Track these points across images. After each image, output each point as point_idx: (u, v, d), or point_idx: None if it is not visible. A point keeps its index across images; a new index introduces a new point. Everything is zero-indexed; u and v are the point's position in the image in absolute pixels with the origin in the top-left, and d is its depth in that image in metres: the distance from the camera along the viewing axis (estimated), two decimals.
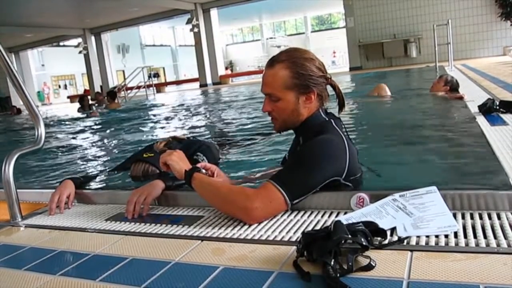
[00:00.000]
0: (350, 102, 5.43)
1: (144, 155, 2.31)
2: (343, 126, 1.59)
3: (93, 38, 21.20)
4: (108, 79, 21.40)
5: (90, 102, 12.37)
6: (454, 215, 1.23)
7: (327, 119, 1.57)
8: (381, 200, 1.31)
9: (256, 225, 1.36)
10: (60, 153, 4.53)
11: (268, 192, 1.34)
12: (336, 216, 1.37)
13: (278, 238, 1.24)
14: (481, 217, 1.21)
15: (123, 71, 25.58)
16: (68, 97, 23.03)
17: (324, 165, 1.40)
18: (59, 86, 28.53)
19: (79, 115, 10.20)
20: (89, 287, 1.06)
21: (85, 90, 24.16)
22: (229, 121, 5.80)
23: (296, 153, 1.52)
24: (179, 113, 8.14)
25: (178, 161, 1.54)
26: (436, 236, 1.11)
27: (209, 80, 18.29)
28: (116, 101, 11.42)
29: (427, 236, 1.12)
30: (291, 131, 1.66)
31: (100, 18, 18.53)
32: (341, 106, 1.66)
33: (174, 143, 2.52)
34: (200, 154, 2.36)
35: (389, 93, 5.62)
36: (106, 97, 12.04)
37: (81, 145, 5.13)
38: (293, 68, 1.49)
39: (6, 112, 16.63)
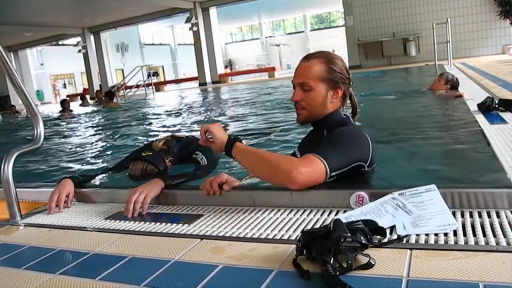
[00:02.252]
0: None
1: (143, 154, 2.30)
2: None
3: (92, 37, 21.17)
4: (107, 78, 21.38)
5: (90, 100, 12.44)
6: (454, 214, 1.23)
7: (345, 116, 1.74)
8: (381, 198, 1.31)
9: (255, 223, 1.36)
10: (59, 152, 4.53)
11: (311, 161, 1.42)
12: (336, 214, 1.37)
13: (278, 237, 1.24)
14: (480, 216, 1.22)
15: (122, 70, 25.54)
16: (67, 96, 23.00)
17: (353, 147, 1.55)
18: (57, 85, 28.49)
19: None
20: (88, 286, 1.06)
21: (84, 89, 24.15)
22: (229, 120, 5.80)
23: (328, 138, 1.60)
24: (178, 112, 8.14)
25: (220, 130, 1.60)
26: (436, 235, 1.12)
27: (208, 79, 18.27)
28: (114, 101, 11.47)
29: (427, 235, 1.12)
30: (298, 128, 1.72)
31: (99, 17, 18.50)
32: (354, 114, 1.81)
33: (173, 141, 2.51)
34: (199, 153, 2.36)
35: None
36: (104, 97, 12.16)
37: (79, 144, 5.13)
38: (327, 64, 1.66)
39: (5, 111, 16.61)
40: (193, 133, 4.44)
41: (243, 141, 1.63)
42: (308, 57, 1.71)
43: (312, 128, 1.83)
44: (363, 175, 1.58)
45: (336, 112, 1.71)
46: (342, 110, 1.75)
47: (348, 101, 1.78)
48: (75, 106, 13.11)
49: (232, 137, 1.57)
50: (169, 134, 2.79)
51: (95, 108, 11.96)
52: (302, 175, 1.38)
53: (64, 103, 11.22)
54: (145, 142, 3.06)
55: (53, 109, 12.45)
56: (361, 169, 1.56)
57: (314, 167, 1.41)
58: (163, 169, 2.28)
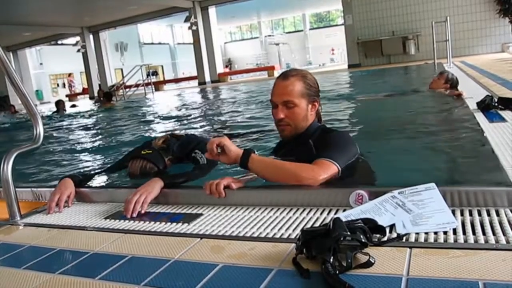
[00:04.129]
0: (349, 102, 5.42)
1: (142, 152, 2.29)
2: None
3: (91, 36, 21.12)
4: (106, 77, 21.35)
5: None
6: (453, 212, 1.23)
7: (319, 124, 1.92)
8: (380, 197, 1.32)
9: (255, 222, 1.37)
10: (58, 152, 4.53)
11: (327, 166, 1.57)
12: (335, 213, 1.37)
13: (277, 236, 1.24)
14: (479, 214, 1.22)
15: (122, 69, 25.51)
16: (67, 95, 22.99)
17: (349, 146, 1.74)
18: (58, 85, 28.45)
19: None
20: (88, 285, 1.06)
21: (83, 89, 24.13)
22: (228, 119, 5.80)
23: (325, 143, 1.74)
24: (177, 111, 8.13)
25: (232, 144, 1.66)
26: (435, 233, 1.12)
27: (207, 78, 18.25)
28: (112, 101, 11.52)
29: (426, 233, 1.12)
30: None
31: (98, 17, 18.46)
32: (320, 121, 1.97)
33: (172, 140, 2.50)
34: (198, 152, 2.35)
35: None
36: (102, 98, 12.21)
37: (78, 144, 5.13)
38: (304, 80, 1.82)
39: (5, 111, 16.59)
40: (192, 132, 4.44)
41: (256, 152, 1.67)
42: (285, 76, 1.83)
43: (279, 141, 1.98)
44: (363, 167, 1.78)
45: (313, 123, 1.88)
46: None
47: None
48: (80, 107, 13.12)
49: (247, 150, 1.65)
50: (169, 132, 2.78)
51: (94, 108, 11.97)
52: (323, 179, 1.53)
53: (59, 104, 11.27)
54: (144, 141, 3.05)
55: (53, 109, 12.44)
56: (359, 160, 1.77)
57: (331, 171, 1.56)
58: (162, 167, 2.27)
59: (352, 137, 1.83)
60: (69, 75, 26.41)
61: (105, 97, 11.96)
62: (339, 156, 1.63)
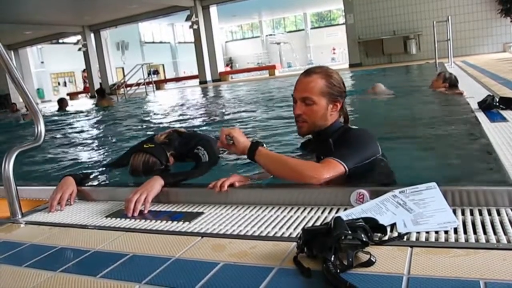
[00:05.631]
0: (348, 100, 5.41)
1: (145, 146, 2.28)
2: None
3: (92, 35, 21.13)
4: (107, 76, 21.36)
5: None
6: (454, 211, 1.23)
7: (342, 124, 1.86)
8: (381, 196, 1.32)
9: (256, 221, 1.37)
10: (59, 150, 4.53)
11: (333, 165, 1.55)
12: (336, 212, 1.37)
13: (278, 234, 1.24)
14: (480, 213, 1.22)
15: (123, 68, 25.51)
16: (68, 94, 23.00)
17: (366, 146, 1.69)
18: (59, 84, 28.47)
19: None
20: (89, 284, 1.06)
21: (84, 88, 24.13)
22: (229, 118, 5.79)
23: (341, 142, 1.71)
24: (178, 110, 8.14)
25: (241, 135, 1.68)
26: (436, 232, 1.12)
27: (208, 77, 18.24)
28: (111, 99, 11.49)
29: (427, 232, 1.12)
30: None
31: (99, 15, 18.47)
32: (346, 123, 1.90)
33: (174, 135, 2.50)
34: (200, 148, 2.35)
35: (385, 91, 5.59)
36: (96, 96, 12.21)
37: (79, 142, 5.13)
38: (327, 79, 1.76)
39: (6, 110, 16.60)
40: (194, 130, 4.43)
41: (264, 145, 1.68)
42: (308, 72, 1.79)
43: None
44: (381, 167, 1.71)
45: (335, 123, 1.82)
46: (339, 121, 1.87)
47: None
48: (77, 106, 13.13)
49: (255, 143, 1.66)
50: (172, 128, 2.77)
51: (94, 107, 11.97)
52: (325, 179, 1.51)
53: (62, 102, 11.27)
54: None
55: (54, 108, 12.46)
56: (379, 160, 1.70)
57: (335, 171, 1.54)
58: (165, 161, 2.25)
59: (373, 136, 1.76)
60: (84, 70, 26.24)
61: (98, 94, 11.89)
62: (350, 156, 1.60)
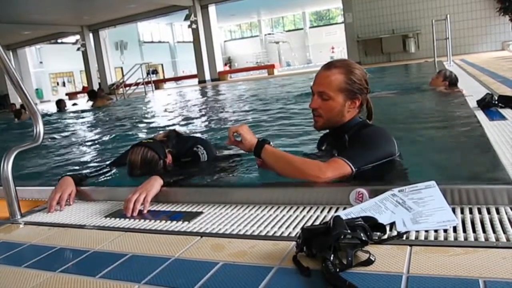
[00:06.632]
0: None
1: (143, 141, 2.28)
2: None
3: (91, 35, 21.10)
4: (106, 76, 21.34)
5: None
6: (453, 210, 1.23)
7: (361, 120, 1.82)
8: (380, 195, 1.31)
9: (255, 221, 1.37)
10: (58, 150, 4.53)
11: (339, 165, 1.54)
12: (336, 211, 1.37)
13: (278, 234, 1.24)
14: (480, 212, 1.22)
15: (122, 68, 25.50)
16: (67, 94, 22.97)
17: (380, 145, 1.65)
18: (58, 83, 28.44)
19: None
20: (89, 284, 1.06)
21: (83, 87, 24.10)
22: (229, 118, 5.79)
23: (354, 140, 1.68)
24: (177, 109, 8.13)
25: (248, 132, 1.69)
26: (435, 231, 1.12)
27: (207, 77, 18.23)
28: (109, 99, 11.54)
29: (426, 231, 1.12)
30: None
31: (98, 15, 18.44)
32: (370, 119, 1.88)
33: (172, 134, 2.51)
34: (200, 147, 2.36)
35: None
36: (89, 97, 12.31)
37: (78, 142, 5.12)
38: (347, 74, 1.70)
39: (5, 110, 16.59)
40: (193, 130, 4.44)
41: (271, 143, 1.69)
42: (329, 66, 1.74)
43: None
44: (394, 168, 1.68)
45: (353, 120, 1.78)
46: (359, 117, 1.82)
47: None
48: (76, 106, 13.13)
49: (262, 140, 1.67)
50: (171, 128, 2.79)
51: (92, 107, 11.97)
52: (330, 178, 1.51)
53: (60, 103, 11.29)
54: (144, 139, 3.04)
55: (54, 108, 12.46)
56: (396, 162, 1.67)
57: (340, 171, 1.53)
58: (163, 156, 2.24)
59: (388, 136, 1.71)
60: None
61: (89, 95, 11.95)
62: (358, 157, 1.57)
